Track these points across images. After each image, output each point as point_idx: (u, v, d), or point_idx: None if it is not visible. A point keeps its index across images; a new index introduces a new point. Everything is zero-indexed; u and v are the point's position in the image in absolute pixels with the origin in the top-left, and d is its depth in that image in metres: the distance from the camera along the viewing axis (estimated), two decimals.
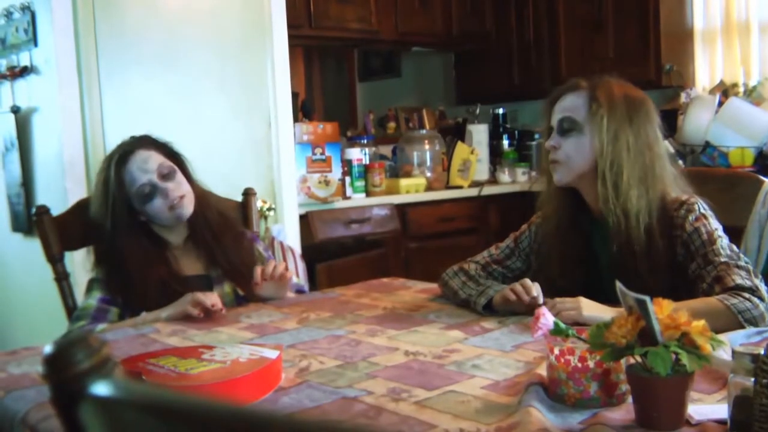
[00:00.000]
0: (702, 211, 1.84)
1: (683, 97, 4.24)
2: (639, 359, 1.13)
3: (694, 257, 1.78)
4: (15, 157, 3.74)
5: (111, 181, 2.09)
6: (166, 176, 2.11)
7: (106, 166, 2.13)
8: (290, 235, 3.50)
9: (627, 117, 1.87)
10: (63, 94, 3.38)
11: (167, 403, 0.55)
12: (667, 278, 1.80)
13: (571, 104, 1.91)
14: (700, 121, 3.99)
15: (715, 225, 1.83)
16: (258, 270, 2.10)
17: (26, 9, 3.55)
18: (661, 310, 1.13)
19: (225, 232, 2.22)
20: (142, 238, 2.14)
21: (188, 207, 2.14)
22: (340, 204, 3.91)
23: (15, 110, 3.70)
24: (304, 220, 3.68)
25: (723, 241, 1.79)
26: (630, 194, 1.83)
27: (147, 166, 2.10)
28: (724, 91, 4.16)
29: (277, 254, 3.12)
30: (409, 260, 4.14)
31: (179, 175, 2.15)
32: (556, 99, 1.96)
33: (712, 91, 4.21)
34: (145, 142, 2.16)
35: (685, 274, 1.80)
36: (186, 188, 2.14)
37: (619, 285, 1.17)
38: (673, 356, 1.09)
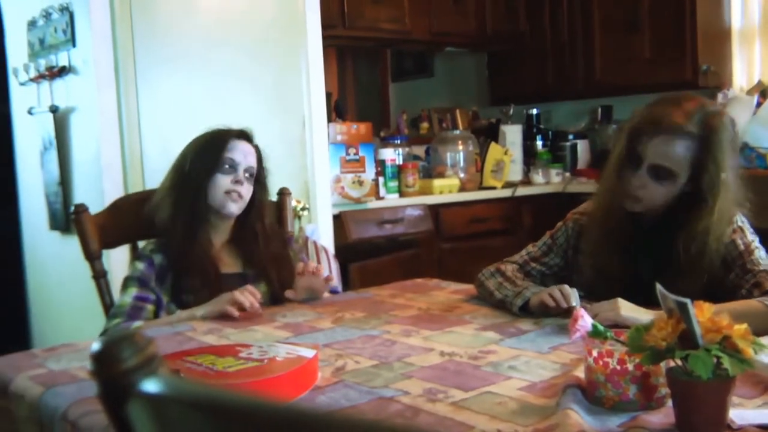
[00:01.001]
0: (739, 224, 1.84)
1: (720, 98, 4.19)
2: (679, 362, 1.12)
3: (732, 268, 1.78)
4: (53, 156, 3.80)
5: (222, 143, 2.20)
6: (247, 177, 2.21)
7: (218, 133, 2.23)
8: (324, 235, 3.51)
9: (732, 165, 1.81)
10: (100, 94, 3.43)
11: (215, 399, 0.56)
12: (702, 289, 1.78)
13: (674, 153, 1.78)
14: (737, 121, 3.94)
15: (751, 237, 1.85)
16: (300, 265, 2.19)
17: (65, 10, 3.60)
18: (702, 313, 1.11)
19: (269, 239, 2.28)
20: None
21: (237, 207, 2.20)
22: (374, 204, 3.91)
23: (53, 110, 3.75)
24: (338, 220, 3.69)
25: (760, 252, 1.82)
26: (712, 246, 1.82)
27: (247, 158, 2.22)
28: (762, 91, 4.10)
29: (311, 254, 3.13)
30: (442, 261, 4.14)
31: (251, 188, 2.24)
32: (652, 134, 1.80)
33: (749, 92, 4.16)
34: (257, 149, 2.29)
35: (721, 286, 1.79)
36: (247, 197, 2.22)
37: (659, 287, 1.16)
38: (715, 360, 1.08)
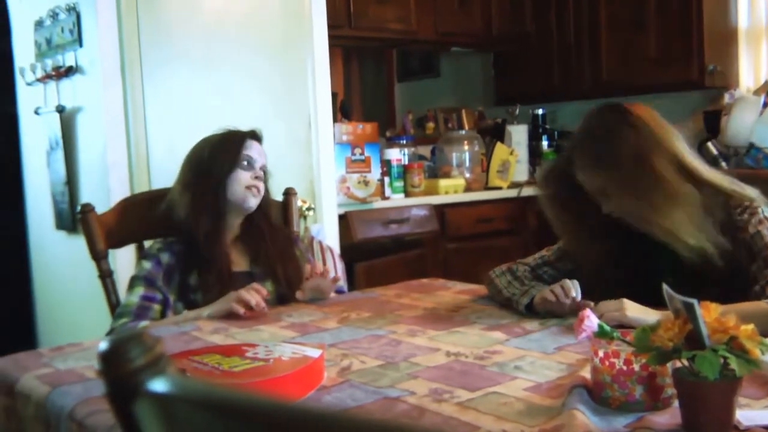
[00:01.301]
0: (765, 214, 1.83)
1: (727, 98, 4.18)
2: (686, 363, 1.11)
3: (756, 259, 1.78)
4: (60, 155, 3.81)
5: (239, 137, 2.27)
6: (261, 175, 2.27)
7: (230, 135, 2.28)
8: (329, 235, 3.51)
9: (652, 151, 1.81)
10: (107, 94, 3.44)
11: (222, 399, 0.56)
12: (717, 288, 1.78)
13: (584, 184, 1.88)
14: (744, 122, 3.93)
15: None
16: (308, 268, 2.22)
17: (72, 10, 3.60)
18: (709, 314, 1.11)
19: (275, 236, 2.29)
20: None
21: (256, 202, 2.24)
22: (379, 204, 3.91)
23: (60, 110, 3.76)
24: (343, 220, 3.69)
25: None
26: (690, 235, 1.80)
27: (261, 156, 2.29)
28: None
29: (316, 254, 3.13)
30: (448, 261, 4.13)
31: (264, 185, 2.29)
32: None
33: (756, 92, 4.15)
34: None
35: (743, 280, 1.78)
36: (263, 193, 2.27)
37: (665, 288, 1.16)
38: (722, 360, 1.08)
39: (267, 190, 2.33)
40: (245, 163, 2.23)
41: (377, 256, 3.83)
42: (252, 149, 2.26)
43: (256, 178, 2.24)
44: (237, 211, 2.23)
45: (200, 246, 2.16)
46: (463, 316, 1.92)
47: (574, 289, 1.80)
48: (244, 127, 2.31)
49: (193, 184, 2.21)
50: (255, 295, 2.01)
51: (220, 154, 2.23)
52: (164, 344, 0.67)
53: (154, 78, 3.49)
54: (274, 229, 2.32)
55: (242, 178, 2.22)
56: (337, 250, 3.44)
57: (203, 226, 2.16)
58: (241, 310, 1.98)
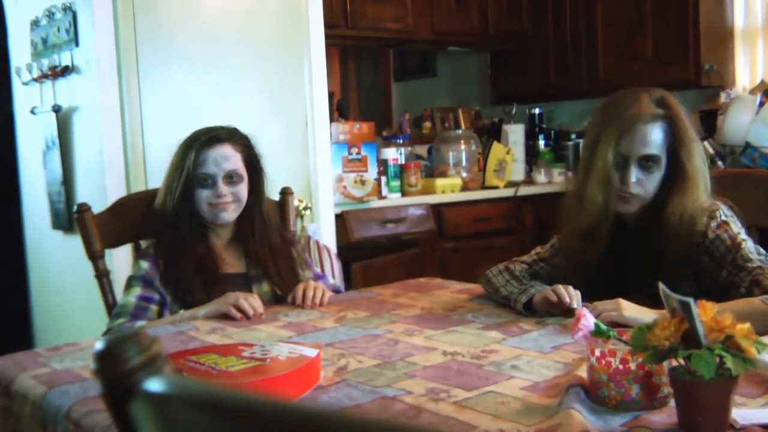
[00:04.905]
0: (723, 218, 1.84)
1: (723, 98, 4.18)
2: (682, 362, 1.12)
3: (722, 265, 1.78)
4: (56, 155, 3.80)
5: (191, 157, 2.14)
6: (231, 182, 2.16)
7: (189, 143, 2.18)
8: (326, 234, 3.51)
9: (694, 135, 1.88)
10: (103, 94, 3.42)
11: (220, 399, 0.56)
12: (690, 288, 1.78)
13: (653, 139, 1.85)
14: (740, 121, 3.93)
15: (736, 230, 1.83)
16: (300, 291, 2.14)
17: (68, 9, 3.60)
18: (705, 313, 1.11)
19: (266, 235, 2.26)
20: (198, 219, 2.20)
21: (230, 214, 2.18)
22: (376, 204, 3.91)
23: (56, 109, 3.75)
24: (340, 219, 3.69)
25: (748, 244, 1.80)
26: (699, 215, 1.85)
27: (223, 164, 2.15)
28: (765, 90, 4.09)
29: (313, 254, 3.13)
30: (445, 260, 4.13)
31: (242, 187, 2.19)
32: (627, 129, 1.85)
33: (752, 91, 4.15)
34: (237, 138, 2.21)
35: (713, 282, 1.79)
36: (239, 199, 2.18)
37: (662, 287, 1.16)
38: (718, 359, 1.08)
39: (260, 174, 2.25)
40: (206, 181, 2.14)
41: (374, 256, 3.83)
42: (207, 163, 2.13)
43: (218, 196, 2.13)
44: (208, 218, 2.20)
45: (167, 259, 2.13)
46: (460, 316, 1.92)
47: (576, 300, 1.80)
48: (237, 123, 2.27)
49: (167, 198, 2.19)
50: (253, 301, 2.01)
51: (177, 177, 2.15)
52: (161, 344, 0.67)
53: (151, 77, 3.48)
54: (266, 227, 2.26)
55: (203, 197, 2.14)
56: (333, 249, 3.44)
57: (167, 241, 2.15)
58: (238, 316, 1.98)
